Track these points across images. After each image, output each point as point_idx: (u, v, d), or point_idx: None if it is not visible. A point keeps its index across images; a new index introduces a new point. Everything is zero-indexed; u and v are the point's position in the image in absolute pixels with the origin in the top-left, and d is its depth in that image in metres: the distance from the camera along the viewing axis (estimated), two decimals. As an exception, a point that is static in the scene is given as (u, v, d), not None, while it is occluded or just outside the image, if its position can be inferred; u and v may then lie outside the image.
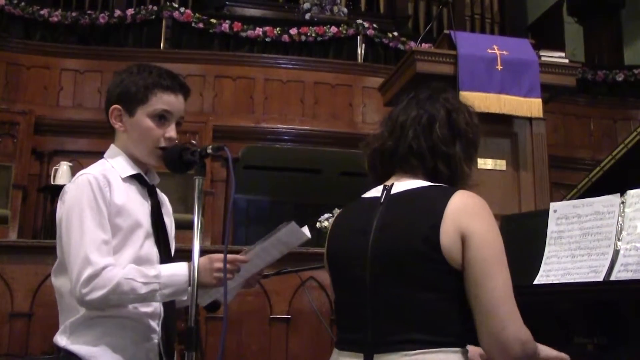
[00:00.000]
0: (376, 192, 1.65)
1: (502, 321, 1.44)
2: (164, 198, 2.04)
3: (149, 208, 1.91)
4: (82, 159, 5.79)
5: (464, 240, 1.47)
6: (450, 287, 1.47)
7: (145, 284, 1.72)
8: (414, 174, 1.62)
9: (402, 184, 1.61)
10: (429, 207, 1.51)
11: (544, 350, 1.58)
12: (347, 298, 1.61)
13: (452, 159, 1.61)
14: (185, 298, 1.80)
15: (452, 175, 1.61)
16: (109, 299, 1.70)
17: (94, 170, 1.83)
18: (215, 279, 1.77)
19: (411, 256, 1.48)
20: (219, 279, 1.77)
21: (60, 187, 5.29)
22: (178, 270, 1.76)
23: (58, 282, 1.84)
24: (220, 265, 1.77)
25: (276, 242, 1.87)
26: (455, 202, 1.50)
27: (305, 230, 1.88)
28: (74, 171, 5.41)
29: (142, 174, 1.93)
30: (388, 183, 1.64)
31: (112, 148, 1.95)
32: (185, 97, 1.97)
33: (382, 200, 1.61)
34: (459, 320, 1.48)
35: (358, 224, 1.62)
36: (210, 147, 1.79)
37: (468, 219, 1.48)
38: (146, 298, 1.75)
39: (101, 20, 7.03)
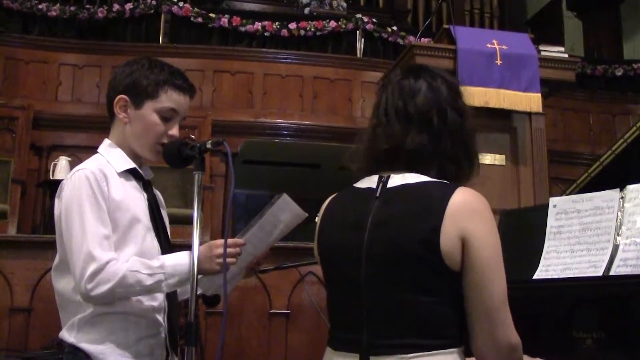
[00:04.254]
0: (371, 182, 1.59)
1: (498, 324, 1.45)
2: (157, 192, 2.04)
3: (146, 202, 1.91)
4: (80, 154, 5.77)
5: (464, 243, 1.44)
6: (448, 289, 1.46)
7: (150, 275, 1.72)
8: (414, 169, 1.55)
9: (399, 177, 1.55)
10: (428, 207, 1.47)
11: None
12: (341, 296, 1.59)
13: (458, 157, 1.57)
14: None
15: (458, 173, 1.57)
16: (115, 293, 1.70)
17: (90, 165, 1.82)
18: (218, 265, 1.77)
19: (409, 259, 1.45)
20: (221, 264, 1.76)
21: (59, 182, 5.31)
22: (181, 259, 1.76)
23: (60, 282, 1.83)
24: (220, 251, 1.76)
25: (272, 219, 1.85)
26: (456, 202, 1.46)
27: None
28: (72, 166, 5.38)
29: (137, 168, 1.93)
30: (384, 174, 1.58)
31: (107, 142, 1.94)
32: (192, 97, 1.98)
33: (377, 194, 1.55)
34: (455, 322, 1.48)
35: (352, 217, 1.56)
36: (209, 141, 1.79)
37: (469, 220, 1.45)
38: (152, 289, 1.75)
39: (100, 15, 7.00)
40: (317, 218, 1.73)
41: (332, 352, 1.57)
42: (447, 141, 1.56)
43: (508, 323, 1.47)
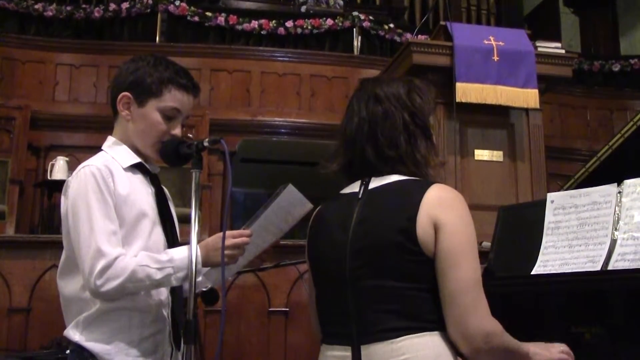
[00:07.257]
0: (354, 187, 1.68)
1: (464, 310, 1.45)
2: (163, 187, 2.04)
3: (153, 196, 1.91)
4: (78, 154, 5.77)
5: (436, 230, 1.49)
6: (427, 276, 1.49)
7: (159, 269, 1.72)
8: (385, 173, 1.63)
9: (378, 179, 1.64)
10: (405, 200, 1.54)
11: (537, 353, 1.55)
12: (329, 293, 1.64)
13: (406, 156, 1.62)
14: (200, 279, 1.83)
15: (415, 169, 1.63)
16: (125, 288, 1.69)
17: (95, 162, 1.81)
18: (226, 257, 1.76)
19: (389, 247, 1.50)
20: (230, 256, 1.77)
21: (56, 182, 5.32)
22: (189, 252, 1.75)
23: (66, 280, 1.81)
24: (228, 242, 1.76)
25: (277, 209, 1.84)
26: (430, 195, 1.53)
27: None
28: (70, 166, 5.40)
29: (143, 162, 1.92)
30: (366, 179, 1.66)
31: (111, 139, 1.93)
32: (195, 97, 1.97)
33: (360, 196, 1.63)
34: (437, 308, 1.49)
35: (338, 219, 1.64)
36: (206, 140, 1.78)
37: (442, 210, 1.51)
38: (162, 283, 1.75)
39: (96, 14, 6.99)
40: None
41: (325, 348, 1.61)
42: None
43: (480, 309, 1.46)
